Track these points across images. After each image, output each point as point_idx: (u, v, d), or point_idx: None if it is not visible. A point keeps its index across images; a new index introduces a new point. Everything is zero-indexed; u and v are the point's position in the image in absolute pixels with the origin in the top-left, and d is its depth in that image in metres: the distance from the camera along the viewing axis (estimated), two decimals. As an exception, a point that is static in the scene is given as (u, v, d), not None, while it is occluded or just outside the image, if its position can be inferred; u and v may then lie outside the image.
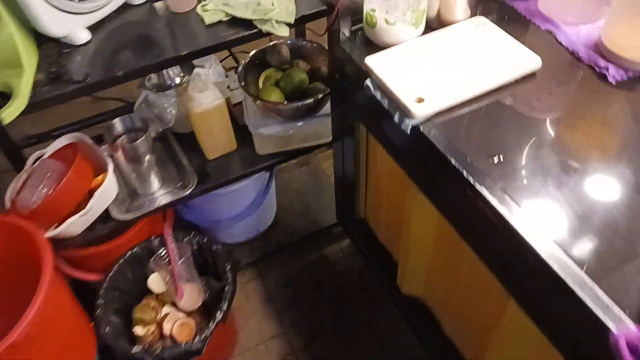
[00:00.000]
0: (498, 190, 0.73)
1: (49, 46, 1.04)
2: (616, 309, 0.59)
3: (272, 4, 1.02)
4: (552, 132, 0.83)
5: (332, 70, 1.12)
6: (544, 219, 0.69)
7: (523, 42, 0.94)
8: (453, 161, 0.79)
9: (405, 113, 0.86)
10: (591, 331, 0.60)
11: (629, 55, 0.87)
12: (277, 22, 1.02)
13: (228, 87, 1.40)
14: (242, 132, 1.39)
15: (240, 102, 1.39)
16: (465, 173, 0.77)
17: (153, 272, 1.37)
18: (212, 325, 1.22)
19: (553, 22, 0.98)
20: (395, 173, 1.09)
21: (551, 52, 0.94)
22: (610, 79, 0.87)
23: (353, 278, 1.64)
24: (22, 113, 0.92)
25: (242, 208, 1.58)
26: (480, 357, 1.01)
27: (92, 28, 1.08)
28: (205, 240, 1.38)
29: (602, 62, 0.89)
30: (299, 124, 1.31)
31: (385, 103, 0.91)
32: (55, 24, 1.01)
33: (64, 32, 1.03)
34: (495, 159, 0.80)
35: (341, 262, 1.68)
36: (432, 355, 1.22)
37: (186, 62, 1.32)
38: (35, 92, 0.94)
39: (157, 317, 1.32)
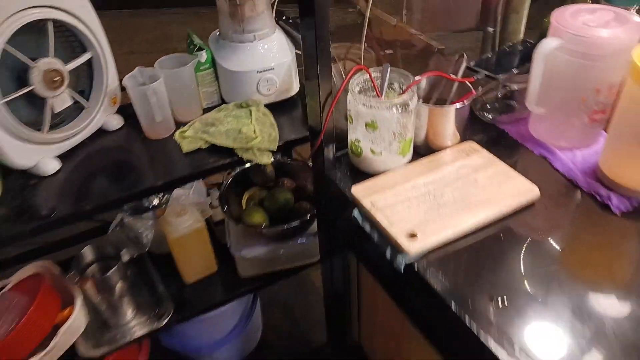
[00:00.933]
0: (505, 339, 0.64)
1: (14, 177, 0.98)
2: None
3: (254, 132, 0.97)
4: (559, 269, 0.75)
5: (317, 195, 1.06)
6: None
7: (516, 168, 0.89)
8: (454, 306, 0.71)
9: (398, 249, 0.79)
10: None
11: (631, 185, 0.82)
12: (259, 150, 0.97)
13: (210, 204, 1.33)
14: (224, 252, 1.30)
15: (223, 220, 1.32)
16: (467, 319, 0.69)
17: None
18: None
19: (546, 147, 0.94)
20: (390, 303, 1.00)
21: (548, 179, 0.89)
22: (614, 210, 0.82)
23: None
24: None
25: (225, 332, 1.46)
26: None
27: (63, 156, 1.02)
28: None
29: (603, 191, 0.84)
30: (284, 245, 1.23)
31: (375, 237, 0.84)
32: (20, 156, 0.95)
33: (30, 164, 0.97)
34: (500, 302, 0.71)
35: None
36: None
37: (163, 191, 1.26)
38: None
39: None
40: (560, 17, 0.85)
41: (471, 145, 0.95)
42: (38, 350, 1.03)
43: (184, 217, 1.15)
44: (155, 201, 1.26)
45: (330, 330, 1.40)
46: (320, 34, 0.78)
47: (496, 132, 1.01)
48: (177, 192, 1.25)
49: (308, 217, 1.18)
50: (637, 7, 0.96)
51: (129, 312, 1.21)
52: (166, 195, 1.28)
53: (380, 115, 0.84)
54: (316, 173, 0.98)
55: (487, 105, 1.05)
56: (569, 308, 0.69)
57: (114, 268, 1.10)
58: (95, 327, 1.20)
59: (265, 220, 1.22)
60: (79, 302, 1.10)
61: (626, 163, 0.82)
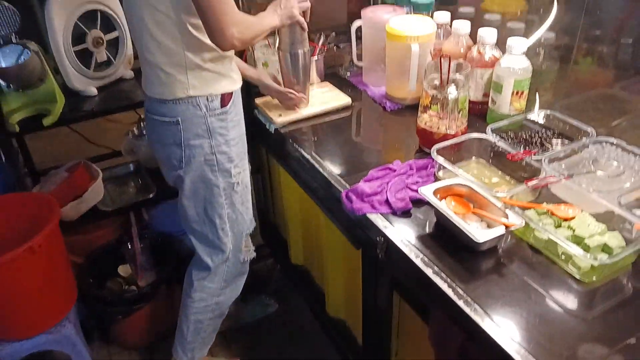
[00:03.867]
0: (315, 160, 1.39)
1: (72, 95, 1.76)
2: None
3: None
4: (357, 140, 1.51)
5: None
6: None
7: (347, 94, 1.65)
8: (290, 143, 1.45)
9: (271, 122, 1.54)
10: None
11: (396, 96, 1.58)
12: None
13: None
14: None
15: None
16: (299, 150, 1.43)
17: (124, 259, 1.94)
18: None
19: (366, 85, 1.72)
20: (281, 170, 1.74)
21: (363, 98, 1.66)
22: (387, 109, 1.58)
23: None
24: (51, 127, 1.61)
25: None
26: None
27: (99, 88, 1.80)
28: (164, 237, 1.98)
29: (385, 101, 1.60)
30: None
31: (263, 120, 1.59)
32: (77, 82, 1.74)
33: (82, 88, 1.75)
34: (315, 144, 1.46)
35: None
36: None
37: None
38: (62, 113, 1.64)
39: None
40: (366, 10, 1.64)
41: (326, 83, 1.72)
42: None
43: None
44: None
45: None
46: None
47: (346, 81, 1.78)
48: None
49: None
50: (429, 13, 1.75)
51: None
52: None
53: (270, 59, 1.62)
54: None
55: (344, 67, 1.83)
56: (350, 154, 1.44)
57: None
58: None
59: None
60: (100, 178, 1.85)
61: (392, 85, 1.59)
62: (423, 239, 1.04)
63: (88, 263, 1.87)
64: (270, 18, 1.32)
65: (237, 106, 1.38)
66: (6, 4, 1.53)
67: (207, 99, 1.29)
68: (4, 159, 1.72)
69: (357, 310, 1.38)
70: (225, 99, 1.32)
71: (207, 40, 1.21)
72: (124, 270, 1.94)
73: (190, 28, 1.20)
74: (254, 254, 1.59)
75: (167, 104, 1.28)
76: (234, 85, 1.35)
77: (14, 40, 1.59)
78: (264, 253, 2.23)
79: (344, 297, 1.52)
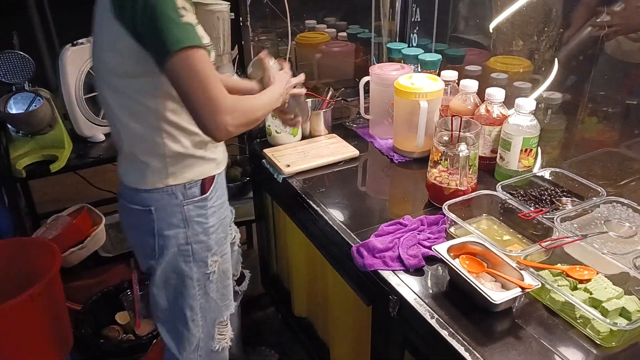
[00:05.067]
0: (323, 213, 1.39)
1: (79, 140, 1.77)
2: None
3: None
4: (365, 190, 1.51)
5: (251, 164, 1.84)
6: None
7: (353, 146, 1.67)
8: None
9: (279, 172, 1.54)
10: None
11: (403, 149, 1.60)
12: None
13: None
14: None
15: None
16: (306, 200, 1.43)
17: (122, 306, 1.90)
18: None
19: (373, 137, 1.74)
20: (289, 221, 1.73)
21: (370, 150, 1.67)
22: (395, 161, 1.59)
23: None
24: (55, 173, 1.61)
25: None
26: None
27: (106, 134, 1.81)
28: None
29: (392, 154, 1.62)
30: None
31: (270, 169, 1.60)
32: (86, 129, 1.75)
33: (89, 134, 1.76)
34: (321, 193, 1.46)
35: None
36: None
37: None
38: (69, 159, 1.64)
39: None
40: (374, 67, 1.68)
41: (333, 135, 1.74)
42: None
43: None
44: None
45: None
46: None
47: (352, 132, 1.80)
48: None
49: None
50: (436, 71, 1.79)
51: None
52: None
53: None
54: (250, 151, 1.76)
55: (351, 118, 1.86)
56: (359, 206, 1.44)
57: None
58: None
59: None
60: (102, 224, 1.83)
61: (400, 138, 1.61)
62: (437, 298, 1.03)
63: (86, 310, 1.82)
64: (273, 98, 1.22)
65: (219, 189, 1.27)
66: (22, 53, 1.56)
67: (185, 187, 1.17)
68: (6, 202, 1.71)
69: (364, 367, 1.35)
70: (206, 184, 1.21)
71: (189, 125, 1.11)
72: (122, 317, 1.90)
73: (167, 114, 1.09)
74: (229, 343, 1.43)
75: (141, 193, 1.17)
76: (218, 168, 1.25)
77: (26, 88, 1.61)
78: (264, 302, 2.19)
79: (350, 353, 1.48)
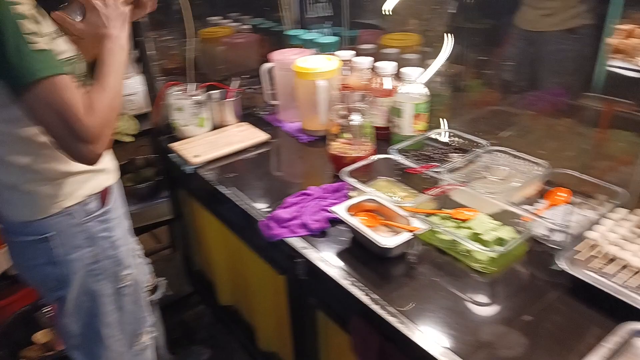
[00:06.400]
0: (243, 200, 1.42)
1: None
2: None
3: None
4: (278, 173, 1.55)
5: (160, 162, 1.84)
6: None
7: (263, 130, 1.71)
8: (224, 192, 1.46)
9: (187, 163, 1.55)
10: None
11: (309, 128, 1.65)
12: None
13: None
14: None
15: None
16: (227, 195, 1.45)
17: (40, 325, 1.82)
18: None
19: (281, 122, 1.78)
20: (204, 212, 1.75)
21: (279, 134, 1.72)
22: (301, 141, 1.64)
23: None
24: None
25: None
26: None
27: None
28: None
29: (300, 134, 1.67)
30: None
31: (178, 161, 1.61)
32: None
33: None
34: (234, 183, 1.49)
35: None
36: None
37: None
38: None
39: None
40: (274, 54, 1.72)
41: (243, 123, 1.77)
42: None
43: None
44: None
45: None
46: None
47: (263, 120, 1.84)
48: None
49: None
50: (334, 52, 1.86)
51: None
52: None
53: (184, 104, 1.66)
54: (157, 147, 1.76)
55: (260, 107, 1.90)
56: (270, 186, 1.48)
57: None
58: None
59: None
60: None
61: (305, 119, 1.66)
62: (340, 254, 1.08)
63: (1, 333, 1.74)
64: (116, 53, 1.03)
65: (117, 199, 1.23)
66: None
67: (82, 205, 1.11)
68: None
69: (287, 338, 1.38)
70: (104, 195, 1.16)
71: None
72: (42, 336, 1.83)
73: (38, 138, 1.01)
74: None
75: (33, 224, 1.08)
76: (111, 178, 1.20)
77: None
78: (193, 301, 2.19)
79: (273, 328, 1.51)
